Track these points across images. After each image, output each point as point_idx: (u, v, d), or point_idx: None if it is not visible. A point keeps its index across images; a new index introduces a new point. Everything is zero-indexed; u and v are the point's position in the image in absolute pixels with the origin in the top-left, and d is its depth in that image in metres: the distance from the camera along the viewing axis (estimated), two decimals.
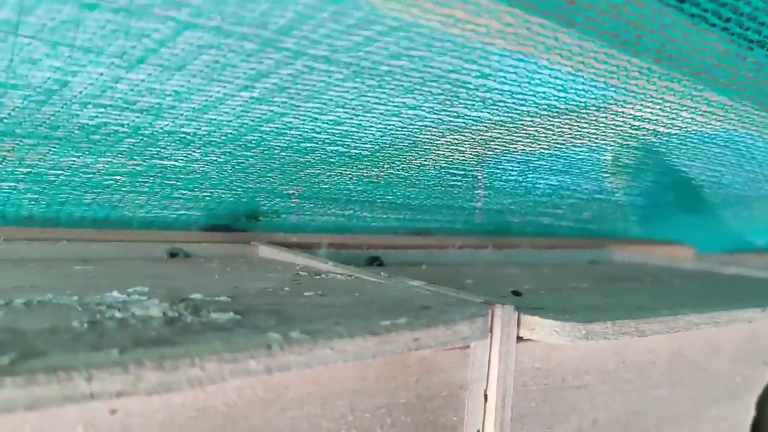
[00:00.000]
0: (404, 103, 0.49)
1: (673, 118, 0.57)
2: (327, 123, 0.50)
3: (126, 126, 0.44)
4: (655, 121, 0.58)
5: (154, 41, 0.36)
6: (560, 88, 0.50)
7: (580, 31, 0.40)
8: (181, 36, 0.36)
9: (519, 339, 0.42)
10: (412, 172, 0.64)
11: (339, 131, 0.52)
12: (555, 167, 0.72)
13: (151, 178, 0.54)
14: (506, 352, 0.42)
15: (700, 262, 0.91)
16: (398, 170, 0.63)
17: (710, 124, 0.58)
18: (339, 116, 0.49)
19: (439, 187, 0.71)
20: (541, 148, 0.65)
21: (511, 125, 0.58)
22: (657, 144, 0.67)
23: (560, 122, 0.58)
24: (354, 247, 0.70)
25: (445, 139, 0.58)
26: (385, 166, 0.62)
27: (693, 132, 0.63)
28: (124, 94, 0.41)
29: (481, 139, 0.60)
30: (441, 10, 0.37)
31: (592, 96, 0.52)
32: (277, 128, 0.49)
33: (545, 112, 0.55)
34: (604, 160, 0.72)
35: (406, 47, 0.41)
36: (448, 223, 0.82)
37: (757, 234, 1.21)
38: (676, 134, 0.63)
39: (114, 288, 0.39)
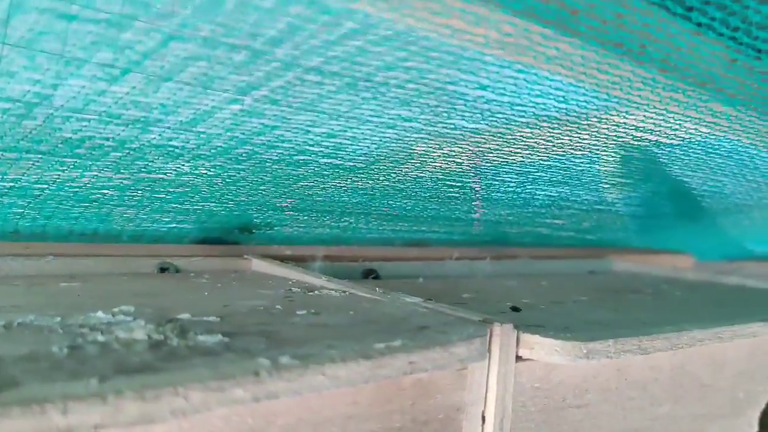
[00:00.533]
0: (400, 114, 0.48)
1: (677, 129, 0.56)
2: (320, 135, 0.49)
3: (111, 140, 0.43)
4: (657, 132, 0.57)
5: (137, 53, 0.35)
6: (561, 98, 0.49)
7: (582, 40, 0.39)
8: (167, 47, 0.35)
9: (518, 358, 0.41)
10: (409, 183, 0.63)
11: (333, 144, 0.51)
12: (554, 177, 0.71)
13: (140, 192, 0.53)
14: (505, 372, 0.40)
15: (700, 272, 0.90)
16: (394, 182, 0.62)
17: (714, 134, 0.57)
18: (332, 128, 0.48)
19: (436, 198, 0.70)
20: (540, 158, 0.64)
21: (509, 136, 0.57)
22: (658, 154, 0.66)
23: (560, 132, 0.57)
24: (349, 260, 0.69)
25: (442, 151, 0.57)
26: (381, 178, 0.61)
27: (696, 142, 0.62)
28: (108, 108, 0.39)
29: (478, 149, 0.59)
30: (438, 20, 0.36)
31: (594, 107, 0.51)
32: (269, 141, 0.48)
33: (545, 123, 0.55)
34: (605, 170, 0.71)
35: (401, 58, 0.40)
36: (446, 234, 0.81)
37: (757, 242, 1.20)
38: (678, 144, 0.62)
39: (99, 307, 0.38)
